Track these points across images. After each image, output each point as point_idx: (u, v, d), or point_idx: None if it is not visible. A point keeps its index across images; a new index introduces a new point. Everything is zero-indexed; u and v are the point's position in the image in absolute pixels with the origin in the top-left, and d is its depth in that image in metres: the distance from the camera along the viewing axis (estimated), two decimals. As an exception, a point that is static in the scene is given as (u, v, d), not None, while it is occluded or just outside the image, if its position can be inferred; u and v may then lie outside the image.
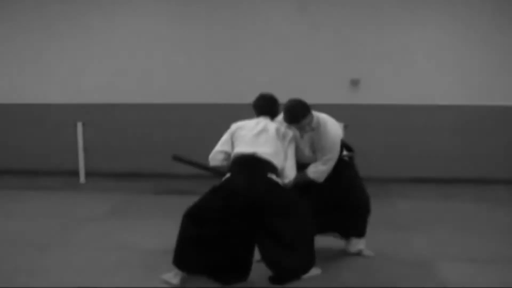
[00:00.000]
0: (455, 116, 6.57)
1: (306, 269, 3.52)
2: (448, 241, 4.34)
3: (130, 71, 6.92)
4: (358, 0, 6.58)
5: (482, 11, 6.43)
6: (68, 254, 4.04)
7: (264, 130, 3.59)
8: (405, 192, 6.16)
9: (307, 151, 3.72)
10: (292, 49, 6.70)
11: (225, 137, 3.73)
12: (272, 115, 3.76)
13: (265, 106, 3.79)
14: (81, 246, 4.24)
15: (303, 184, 3.66)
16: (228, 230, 3.37)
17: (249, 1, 6.76)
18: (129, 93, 6.91)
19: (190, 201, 3.52)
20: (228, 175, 3.49)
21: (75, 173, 6.74)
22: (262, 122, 3.67)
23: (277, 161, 3.51)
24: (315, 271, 3.59)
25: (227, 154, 3.65)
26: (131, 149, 6.96)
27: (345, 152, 3.90)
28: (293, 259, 3.44)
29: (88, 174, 6.76)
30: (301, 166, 3.68)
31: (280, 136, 3.59)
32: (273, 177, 3.45)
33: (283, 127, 3.65)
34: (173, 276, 3.45)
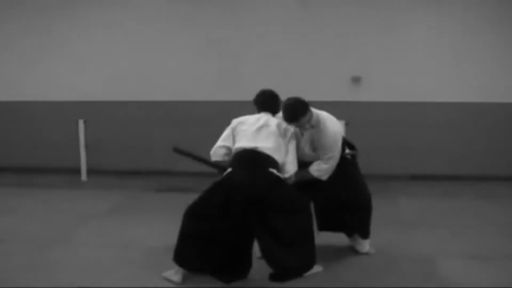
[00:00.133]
0: (457, 113, 6.55)
1: (306, 268, 3.52)
2: (450, 238, 4.34)
3: (132, 68, 6.90)
4: (359, -2, 6.58)
5: (482, 9, 6.41)
6: (70, 251, 4.05)
7: (265, 125, 3.59)
8: (406, 189, 6.15)
9: (307, 149, 3.72)
10: (293, 46, 6.69)
11: (226, 132, 3.73)
12: (273, 111, 3.76)
13: (266, 102, 3.80)
14: (82, 243, 4.25)
15: (306, 182, 3.66)
16: (229, 226, 3.37)
17: (249, -2, 6.77)
18: (131, 90, 6.91)
19: (192, 198, 3.52)
20: (229, 170, 3.49)
21: (77, 171, 6.74)
22: (263, 117, 3.67)
23: (278, 156, 3.51)
24: (316, 269, 3.59)
25: (229, 149, 3.66)
26: (133, 147, 6.96)
27: (347, 151, 3.90)
28: (293, 258, 3.44)
29: (89, 171, 6.76)
30: (303, 164, 3.67)
31: (281, 132, 3.59)
32: (274, 171, 3.45)
33: (284, 123, 3.64)
34: (174, 273, 3.46)
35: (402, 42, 6.56)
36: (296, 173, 3.62)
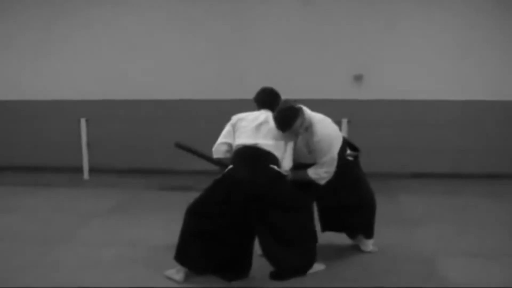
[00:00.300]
0: (459, 111, 6.53)
1: (306, 268, 3.52)
2: (452, 236, 4.33)
3: (134, 67, 6.90)
4: (362, -4, 6.57)
5: (485, 7, 6.39)
6: (72, 250, 4.05)
7: (265, 122, 3.58)
8: (408, 187, 6.14)
9: (304, 150, 3.67)
10: (295, 44, 6.68)
11: (227, 128, 3.73)
12: (273, 109, 3.73)
13: (267, 100, 3.79)
14: (84, 242, 4.26)
15: (304, 182, 3.62)
16: (230, 224, 3.37)
17: (251, -4, 6.76)
18: (133, 89, 6.91)
19: (193, 197, 3.53)
20: (229, 167, 3.48)
21: (79, 170, 6.75)
22: (263, 114, 3.66)
23: (278, 153, 3.50)
24: (319, 267, 3.59)
25: (230, 146, 3.66)
26: (135, 145, 6.96)
27: (349, 152, 3.87)
28: (293, 258, 3.44)
29: (91, 170, 6.77)
30: (302, 166, 3.64)
31: None
32: (275, 168, 3.44)
33: None
34: (176, 272, 3.46)
35: (404, 40, 6.55)
36: (295, 173, 3.61)
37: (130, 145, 6.96)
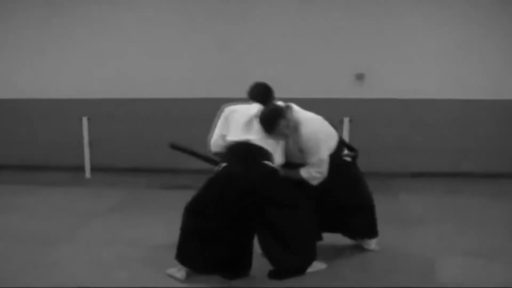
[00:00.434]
0: (460, 111, 6.52)
1: (305, 267, 3.52)
2: (452, 236, 4.33)
3: (136, 66, 6.90)
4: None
5: (487, 5, 6.37)
6: (73, 249, 4.06)
7: (257, 116, 3.54)
8: (408, 186, 6.13)
9: (295, 150, 3.62)
10: (296, 43, 6.67)
11: (221, 121, 3.71)
12: (266, 104, 3.70)
13: (259, 94, 3.77)
14: (86, 241, 4.27)
15: (301, 181, 3.60)
16: (227, 222, 3.37)
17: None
18: (135, 88, 6.91)
19: (195, 196, 3.54)
20: (222, 164, 3.47)
21: (81, 168, 6.76)
22: (255, 107, 3.63)
23: (270, 148, 3.47)
24: (319, 266, 3.59)
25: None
26: (137, 144, 6.97)
27: (346, 152, 3.84)
28: (292, 257, 3.45)
29: (93, 169, 6.78)
30: (296, 165, 3.61)
31: None
32: (269, 163, 3.42)
33: None
34: (177, 270, 3.48)
35: (405, 40, 6.53)
36: (287, 172, 3.58)
37: (132, 144, 6.96)
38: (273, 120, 3.45)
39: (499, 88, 6.45)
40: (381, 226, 4.03)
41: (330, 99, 6.35)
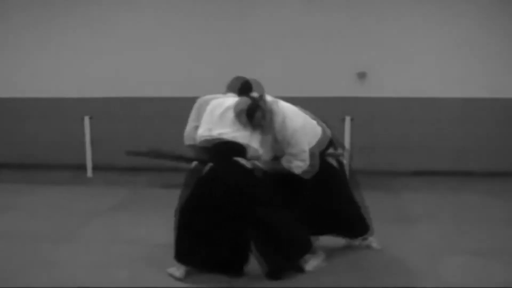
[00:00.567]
0: (461, 109, 6.52)
1: (297, 257, 3.48)
2: (453, 234, 4.32)
3: (137, 64, 6.91)
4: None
5: (486, 5, 6.37)
6: (75, 248, 4.07)
7: (230, 108, 3.48)
8: (410, 185, 6.12)
9: (272, 141, 3.54)
10: (297, 42, 6.67)
11: (193, 112, 3.71)
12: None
13: (238, 87, 3.77)
14: (88, 239, 4.27)
15: (280, 174, 3.53)
16: (218, 221, 3.36)
17: (254, -7, 6.75)
18: (137, 86, 6.91)
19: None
20: (194, 163, 3.47)
21: (83, 167, 6.77)
22: (230, 99, 3.57)
23: (245, 140, 3.41)
24: (317, 262, 3.56)
25: None
26: (139, 143, 6.95)
27: (331, 150, 3.76)
28: (285, 255, 3.43)
29: (95, 168, 6.79)
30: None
31: None
32: (242, 160, 3.38)
33: None
34: (177, 269, 3.48)
35: (407, 39, 6.53)
36: (268, 164, 3.53)
37: (133, 143, 6.95)
38: (248, 111, 3.40)
39: (500, 87, 6.44)
40: (381, 224, 4.03)
41: (332, 98, 6.35)
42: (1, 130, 7.26)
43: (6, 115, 7.27)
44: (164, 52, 6.90)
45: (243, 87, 3.75)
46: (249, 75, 6.52)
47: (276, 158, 3.57)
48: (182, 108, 6.77)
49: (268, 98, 3.58)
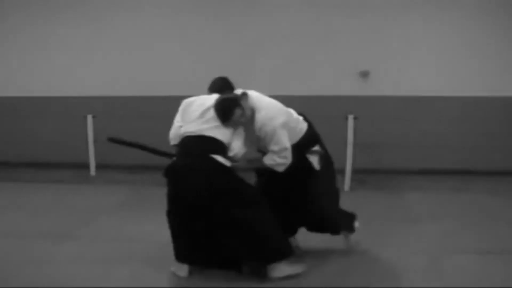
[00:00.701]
0: (465, 108, 6.49)
1: (268, 262, 3.43)
2: (457, 233, 4.31)
3: (141, 64, 6.91)
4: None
5: (487, 4, 6.35)
6: (78, 246, 4.08)
7: (211, 106, 3.48)
8: (413, 184, 6.10)
9: (254, 138, 3.54)
10: (301, 41, 6.65)
11: (178, 113, 3.77)
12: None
13: (217, 87, 3.78)
14: (91, 238, 4.28)
15: (262, 169, 3.54)
16: (195, 218, 3.36)
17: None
18: (139, 85, 6.91)
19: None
20: (174, 158, 3.47)
21: (86, 166, 6.77)
22: (212, 98, 3.57)
23: (225, 137, 3.41)
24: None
25: None
26: (141, 141, 6.94)
27: (316, 148, 3.69)
28: (257, 255, 3.41)
29: (98, 166, 6.79)
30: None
31: None
32: (218, 157, 3.36)
33: None
34: (180, 267, 3.48)
35: (410, 37, 6.52)
36: (250, 161, 3.54)
37: (137, 141, 6.96)
38: (227, 108, 3.41)
39: (505, 85, 6.41)
40: (383, 222, 4.02)
41: (335, 97, 6.33)
42: (5, 129, 7.26)
43: (9, 113, 7.27)
44: (167, 52, 6.89)
45: (222, 86, 3.79)
46: (252, 74, 6.57)
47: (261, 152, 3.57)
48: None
49: (253, 93, 3.57)
